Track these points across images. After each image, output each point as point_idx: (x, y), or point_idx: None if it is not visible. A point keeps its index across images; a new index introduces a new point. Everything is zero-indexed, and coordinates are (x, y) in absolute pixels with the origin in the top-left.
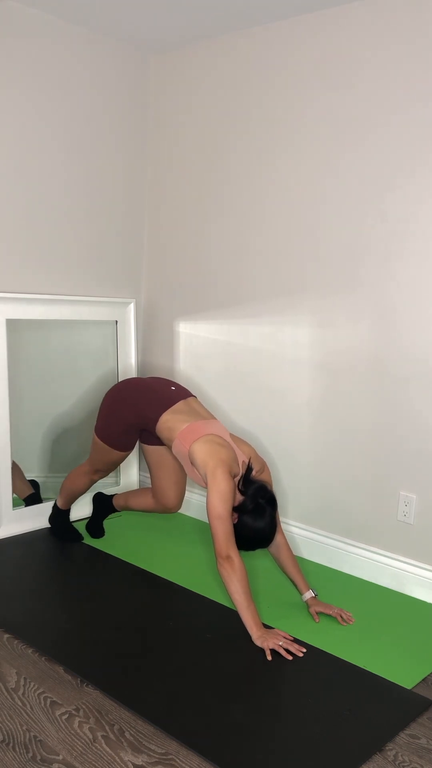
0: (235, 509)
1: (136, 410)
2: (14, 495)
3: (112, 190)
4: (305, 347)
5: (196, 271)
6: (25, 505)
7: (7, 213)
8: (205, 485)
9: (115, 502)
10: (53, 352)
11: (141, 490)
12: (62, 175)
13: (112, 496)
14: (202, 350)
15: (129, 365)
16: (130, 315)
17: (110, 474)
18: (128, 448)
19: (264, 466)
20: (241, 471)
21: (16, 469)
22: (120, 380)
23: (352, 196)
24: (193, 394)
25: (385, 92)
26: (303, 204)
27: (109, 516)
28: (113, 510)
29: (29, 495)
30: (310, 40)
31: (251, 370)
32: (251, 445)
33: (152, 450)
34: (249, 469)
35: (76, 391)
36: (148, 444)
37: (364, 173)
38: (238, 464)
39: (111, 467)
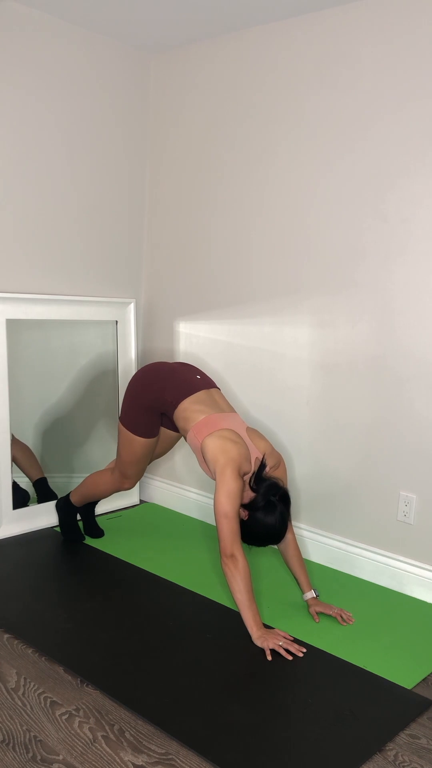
0: (246, 506)
1: (158, 393)
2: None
3: (112, 190)
4: (305, 347)
5: (196, 271)
6: (35, 489)
7: (7, 213)
8: (215, 479)
9: (73, 497)
10: (53, 352)
11: (92, 476)
12: (62, 175)
13: (68, 496)
14: (202, 350)
15: (129, 365)
16: (130, 315)
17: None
18: (150, 435)
19: (280, 462)
20: (254, 468)
21: (26, 451)
22: (121, 387)
23: (352, 195)
24: (217, 386)
25: (385, 92)
26: (303, 204)
27: (109, 516)
28: (76, 510)
29: (40, 478)
30: (310, 40)
31: (251, 370)
32: (267, 439)
33: (153, 441)
34: (262, 466)
35: (76, 391)
36: (163, 426)
37: (364, 173)
38: (250, 462)
39: (138, 466)
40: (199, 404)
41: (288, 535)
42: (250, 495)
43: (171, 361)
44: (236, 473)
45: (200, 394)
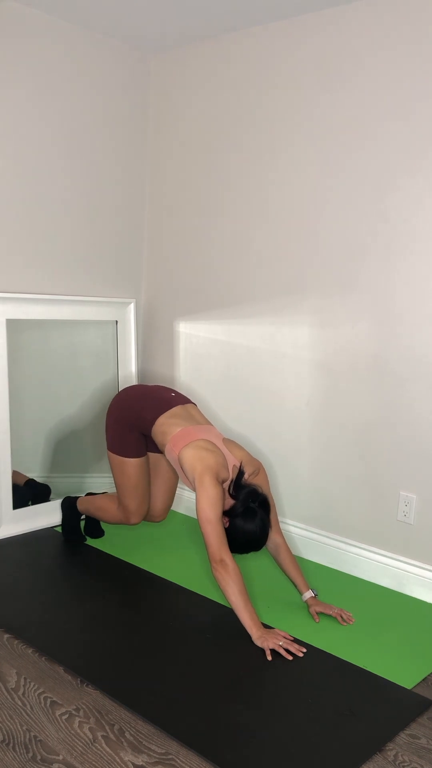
0: (226, 513)
1: (136, 413)
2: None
3: (112, 190)
4: (305, 347)
5: (196, 271)
6: (27, 488)
7: (8, 213)
8: (194, 488)
9: (79, 505)
10: (53, 352)
11: (104, 498)
12: (62, 175)
13: (77, 498)
14: (202, 350)
15: (129, 365)
16: (130, 315)
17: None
18: (139, 454)
19: (259, 469)
20: (231, 475)
21: None
22: (121, 388)
23: (353, 195)
24: (193, 401)
25: (386, 92)
26: (303, 204)
27: None
28: (79, 513)
29: (27, 481)
30: (310, 40)
31: (251, 370)
32: (244, 448)
33: (143, 461)
34: (240, 473)
35: (76, 391)
36: (147, 451)
37: (364, 173)
38: (227, 469)
39: (136, 496)
40: (174, 418)
41: (277, 539)
42: (230, 502)
43: (146, 384)
44: (214, 479)
45: (176, 409)
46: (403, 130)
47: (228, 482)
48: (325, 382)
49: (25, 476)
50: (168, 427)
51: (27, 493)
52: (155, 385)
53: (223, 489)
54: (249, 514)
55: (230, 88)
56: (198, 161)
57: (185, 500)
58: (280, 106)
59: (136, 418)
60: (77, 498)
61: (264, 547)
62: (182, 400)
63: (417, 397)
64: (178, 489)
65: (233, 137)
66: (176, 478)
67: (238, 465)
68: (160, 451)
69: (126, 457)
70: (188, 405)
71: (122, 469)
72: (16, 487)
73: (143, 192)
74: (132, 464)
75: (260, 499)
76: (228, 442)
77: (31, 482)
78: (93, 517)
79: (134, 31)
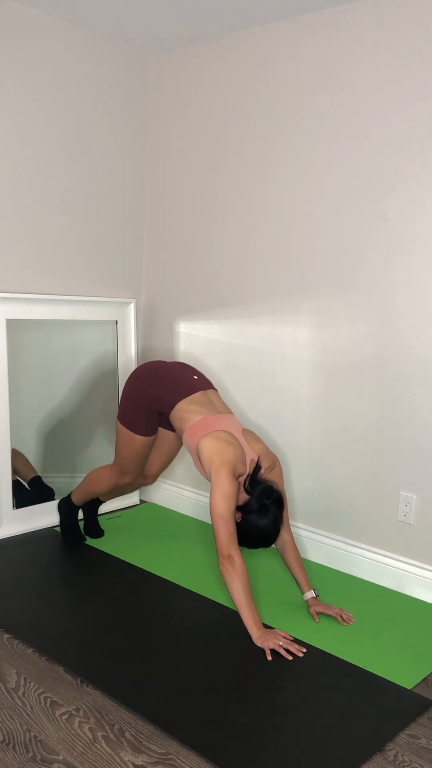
0: (240, 508)
1: (155, 392)
2: (17, 479)
3: (112, 190)
4: (305, 347)
5: (196, 271)
6: (30, 489)
7: (8, 213)
8: (210, 480)
9: (74, 497)
10: (53, 352)
11: (92, 474)
12: (62, 175)
13: (69, 496)
14: (202, 350)
15: (129, 365)
16: (130, 315)
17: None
18: (149, 433)
19: (275, 463)
20: (248, 470)
21: (16, 453)
22: (121, 388)
23: (353, 195)
24: (214, 386)
25: (386, 92)
26: (303, 204)
27: (109, 516)
28: (99, 501)
29: (33, 477)
30: (310, 40)
31: (251, 370)
32: (263, 441)
33: (152, 439)
34: (257, 468)
35: (76, 391)
36: (163, 428)
37: (364, 173)
38: (245, 463)
39: (137, 462)
40: (195, 405)
41: (286, 536)
42: (244, 497)
43: (169, 361)
44: (231, 474)
45: (197, 395)
46: (403, 130)
47: (244, 477)
48: (325, 382)
49: (35, 472)
50: (187, 414)
51: (30, 492)
52: (176, 363)
53: (239, 483)
54: (263, 511)
55: (230, 88)
56: (198, 161)
57: (186, 500)
58: (280, 106)
59: (154, 399)
60: (69, 495)
61: (251, 551)
62: (204, 384)
63: (417, 397)
64: (183, 491)
65: (233, 137)
66: (179, 448)
67: (256, 459)
68: (173, 430)
69: (135, 433)
70: (209, 391)
71: (128, 442)
72: (19, 483)
73: (143, 192)
74: (139, 440)
75: (275, 496)
76: (247, 433)
77: (37, 481)
78: (90, 498)
79: (134, 31)
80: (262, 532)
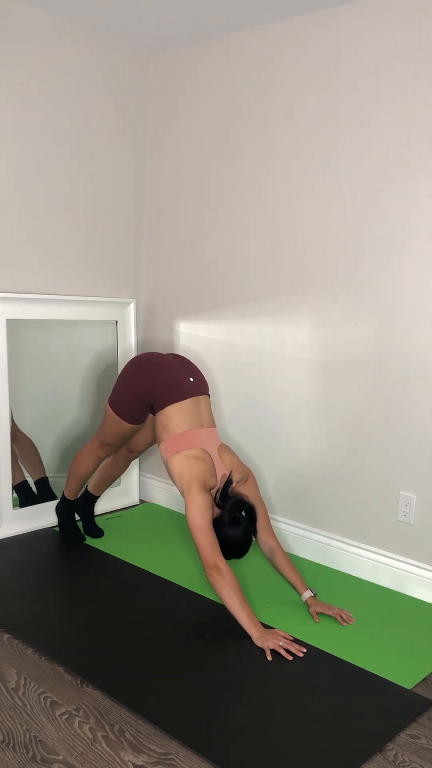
0: (213, 522)
1: (150, 386)
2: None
3: (112, 189)
4: (305, 347)
5: (196, 271)
6: (36, 488)
7: (7, 213)
8: (183, 496)
9: (66, 493)
10: (53, 352)
11: (75, 457)
12: (62, 175)
13: (63, 495)
14: (202, 350)
15: None
16: (130, 315)
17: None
18: (138, 422)
19: (248, 476)
20: (219, 484)
21: (31, 448)
22: (141, 352)
23: (353, 195)
24: (208, 392)
25: (385, 92)
26: (303, 203)
27: (109, 516)
28: (93, 498)
29: (41, 478)
30: (310, 40)
31: (251, 370)
32: (236, 454)
33: (138, 426)
34: (227, 482)
35: (76, 391)
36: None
37: (364, 173)
38: (215, 477)
39: (119, 440)
40: (182, 414)
41: (272, 543)
42: (216, 512)
43: (168, 353)
44: (201, 488)
45: (187, 403)
46: (402, 129)
47: (215, 490)
48: (325, 382)
49: (44, 472)
50: (171, 423)
51: (32, 493)
52: (176, 358)
53: (212, 496)
54: (234, 524)
55: (230, 88)
56: (198, 161)
57: None
58: (279, 106)
59: (149, 391)
60: (63, 493)
61: (247, 553)
62: (198, 389)
63: (417, 396)
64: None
65: (233, 137)
66: None
67: (227, 474)
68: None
69: (124, 420)
70: (201, 398)
71: (114, 425)
72: (24, 484)
73: (143, 192)
74: (126, 426)
75: (246, 508)
76: (222, 448)
77: (44, 482)
78: (79, 484)
79: (134, 31)
80: (235, 543)
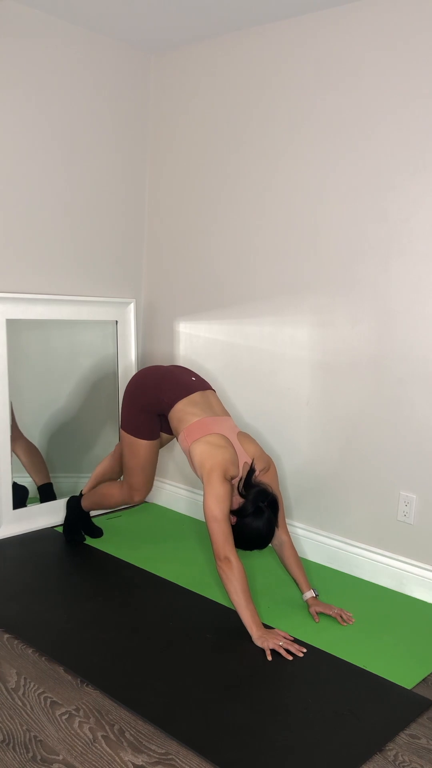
0: (235, 512)
1: (155, 393)
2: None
3: (112, 189)
4: (305, 347)
5: (196, 271)
6: (39, 493)
7: (7, 213)
8: (202, 483)
9: (84, 503)
10: (53, 352)
11: (105, 486)
12: (62, 175)
13: (80, 497)
14: (202, 350)
15: (129, 365)
16: (130, 315)
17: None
18: (152, 436)
19: (270, 465)
20: (242, 473)
21: (34, 453)
22: (122, 387)
23: (353, 195)
24: (212, 387)
25: (386, 92)
26: (303, 203)
27: (109, 516)
28: (85, 513)
29: (45, 483)
30: (310, 40)
31: (251, 370)
32: (257, 443)
33: (155, 443)
34: (251, 471)
35: (76, 391)
36: (162, 431)
37: (364, 173)
38: (237, 466)
39: (144, 475)
40: (193, 406)
41: (283, 537)
42: (239, 500)
43: (166, 365)
44: (222, 477)
45: (195, 396)
46: (403, 130)
47: (237, 479)
48: (325, 381)
49: (48, 478)
50: (185, 415)
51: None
52: (174, 366)
53: (233, 486)
54: (258, 514)
55: (230, 88)
56: (198, 161)
57: (185, 500)
58: (280, 106)
59: (155, 401)
60: (80, 497)
61: (269, 545)
62: (202, 385)
63: (417, 396)
64: (183, 491)
65: (233, 137)
66: (168, 440)
67: (249, 462)
68: (173, 434)
69: (139, 438)
70: (208, 392)
71: (133, 449)
72: (22, 491)
73: (143, 192)
74: (143, 445)
75: (270, 498)
76: (242, 435)
77: (47, 488)
78: (99, 509)
79: (134, 31)
80: (257, 535)
